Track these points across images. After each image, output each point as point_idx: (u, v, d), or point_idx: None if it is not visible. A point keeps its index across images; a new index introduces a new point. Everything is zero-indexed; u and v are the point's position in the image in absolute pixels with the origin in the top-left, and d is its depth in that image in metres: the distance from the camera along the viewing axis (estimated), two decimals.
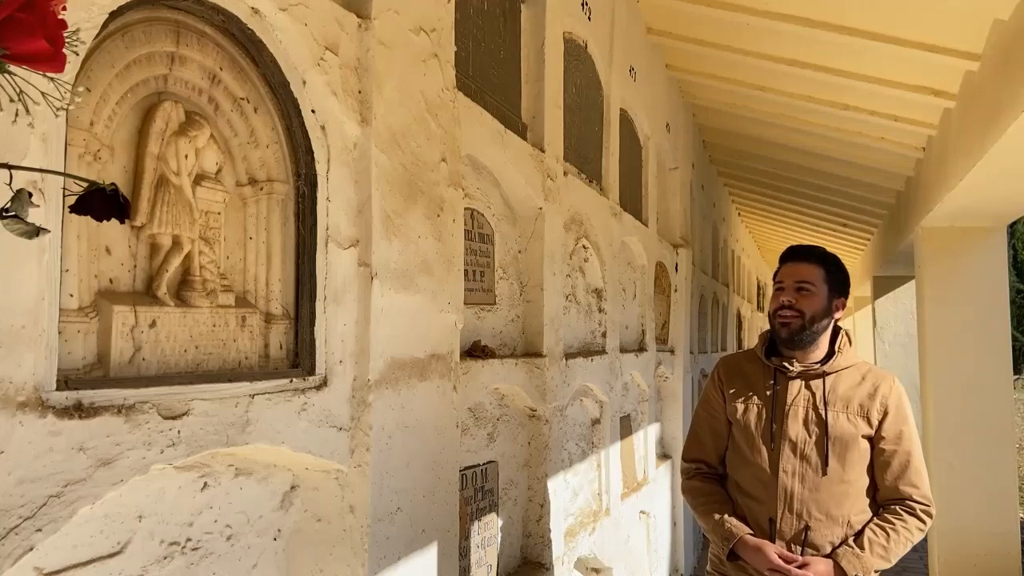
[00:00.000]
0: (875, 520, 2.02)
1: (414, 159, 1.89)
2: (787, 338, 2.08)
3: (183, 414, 1.24)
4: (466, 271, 2.46)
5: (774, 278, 2.18)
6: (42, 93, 0.81)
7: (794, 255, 2.15)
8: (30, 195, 0.83)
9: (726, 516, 2.08)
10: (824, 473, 2.00)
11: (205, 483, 1.46)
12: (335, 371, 1.62)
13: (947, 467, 4.97)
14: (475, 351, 2.50)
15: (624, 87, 4.48)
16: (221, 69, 1.42)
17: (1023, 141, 3.00)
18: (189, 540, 1.43)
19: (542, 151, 3.01)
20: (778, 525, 2.02)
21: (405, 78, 1.86)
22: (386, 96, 1.77)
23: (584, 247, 3.82)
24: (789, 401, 2.07)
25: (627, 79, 4.57)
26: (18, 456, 0.98)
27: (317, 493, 1.69)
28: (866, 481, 2.05)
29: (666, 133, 5.75)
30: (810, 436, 2.03)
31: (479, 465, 2.61)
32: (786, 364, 2.10)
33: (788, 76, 4.52)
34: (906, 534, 1.99)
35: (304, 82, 1.55)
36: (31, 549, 1.00)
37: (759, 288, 15.06)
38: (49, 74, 0.79)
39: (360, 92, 1.71)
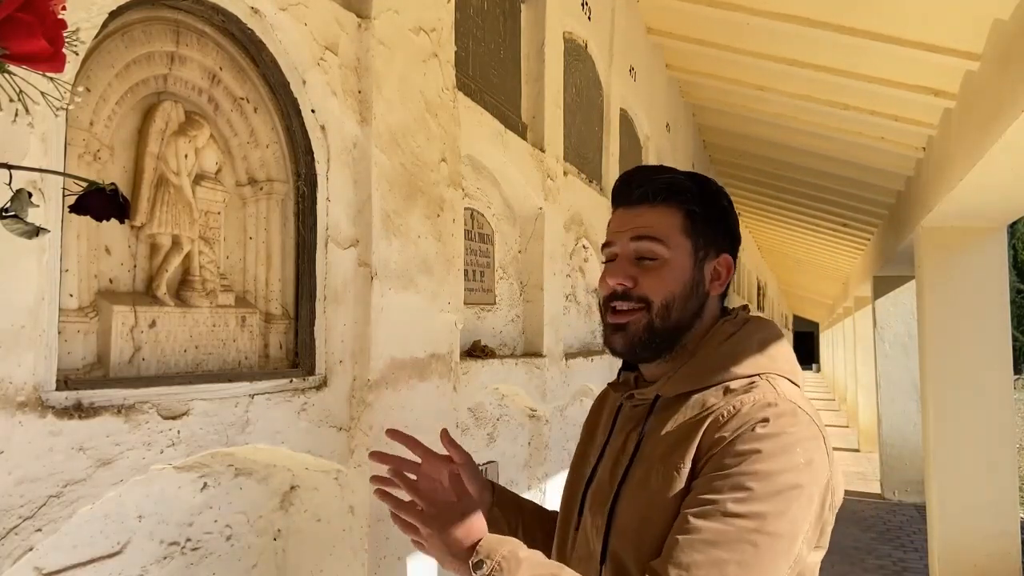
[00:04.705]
0: None
1: (414, 159, 1.89)
2: (624, 351, 1.14)
3: (183, 414, 1.24)
4: (466, 271, 2.46)
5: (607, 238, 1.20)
6: (42, 93, 0.81)
7: (625, 192, 1.16)
8: (30, 195, 0.83)
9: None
10: None
11: (205, 483, 1.46)
12: (335, 371, 1.62)
13: (947, 467, 4.98)
14: (475, 351, 2.50)
15: (624, 87, 4.48)
16: (221, 69, 1.42)
17: (1023, 141, 3.00)
18: (189, 540, 1.43)
19: (542, 151, 3.01)
20: None
21: (405, 78, 1.86)
22: (386, 96, 1.77)
23: (584, 247, 3.82)
24: (613, 455, 1.17)
25: (627, 79, 4.57)
26: (18, 456, 0.98)
27: (317, 493, 1.69)
28: None
29: (666, 133, 5.75)
30: (602, 515, 1.12)
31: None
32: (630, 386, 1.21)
33: (788, 76, 4.52)
34: None
35: (304, 82, 1.55)
36: (31, 549, 1.00)
37: (759, 288, 15.05)
38: (49, 74, 0.79)
39: (360, 92, 1.71)
